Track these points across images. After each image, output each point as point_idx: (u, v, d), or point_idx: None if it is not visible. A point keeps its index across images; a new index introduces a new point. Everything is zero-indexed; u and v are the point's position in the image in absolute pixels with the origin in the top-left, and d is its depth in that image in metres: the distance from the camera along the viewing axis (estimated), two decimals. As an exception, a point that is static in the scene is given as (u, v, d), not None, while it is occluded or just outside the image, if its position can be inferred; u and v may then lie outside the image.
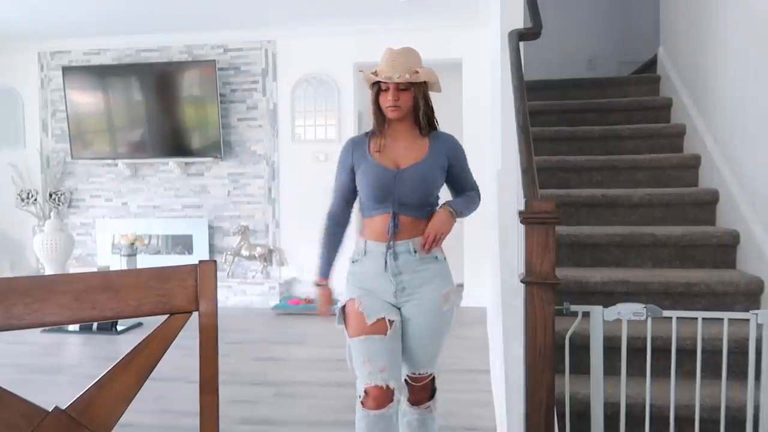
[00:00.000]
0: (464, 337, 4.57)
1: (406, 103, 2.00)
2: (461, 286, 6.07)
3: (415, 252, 2.01)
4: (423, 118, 2.05)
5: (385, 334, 1.97)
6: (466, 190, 2.17)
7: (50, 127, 6.40)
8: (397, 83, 1.97)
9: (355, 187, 2.09)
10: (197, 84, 5.93)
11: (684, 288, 2.68)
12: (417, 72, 2.00)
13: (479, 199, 2.18)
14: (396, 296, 2.03)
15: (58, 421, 0.93)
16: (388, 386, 1.96)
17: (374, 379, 1.96)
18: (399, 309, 2.04)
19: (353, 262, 2.10)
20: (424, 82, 2.02)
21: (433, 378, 2.12)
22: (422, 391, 2.12)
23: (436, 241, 2.02)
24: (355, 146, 2.10)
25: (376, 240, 2.03)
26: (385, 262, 2.01)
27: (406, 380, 2.10)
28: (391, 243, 2.00)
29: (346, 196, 2.13)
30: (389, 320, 1.99)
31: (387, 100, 1.99)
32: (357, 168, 2.06)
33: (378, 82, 2.02)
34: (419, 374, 2.08)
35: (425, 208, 2.03)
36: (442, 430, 2.90)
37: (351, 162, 2.08)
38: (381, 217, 2.02)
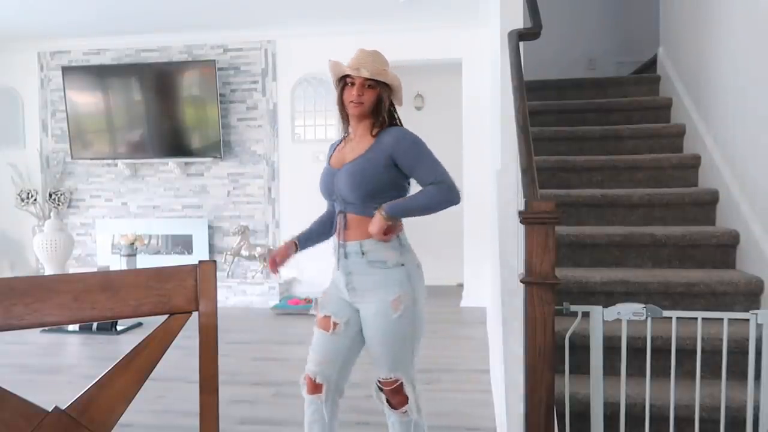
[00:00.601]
0: (464, 337, 4.57)
1: (369, 101, 1.99)
2: (461, 286, 6.08)
3: (363, 254, 2.00)
4: (380, 119, 2.03)
5: (328, 331, 2.05)
6: (426, 184, 2.05)
7: (50, 127, 6.40)
8: (364, 79, 1.98)
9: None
10: (197, 84, 5.92)
11: (684, 288, 2.68)
12: (385, 71, 2.02)
13: (446, 191, 1.97)
14: (349, 294, 2.05)
15: (58, 421, 0.93)
16: (315, 379, 2.06)
17: (309, 369, 2.09)
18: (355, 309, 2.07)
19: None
20: (389, 87, 2.03)
21: (402, 384, 2.05)
22: (393, 395, 2.08)
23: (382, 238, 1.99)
24: (331, 149, 2.19)
25: (335, 237, 2.10)
26: (338, 260, 2.07)
27: (377, 381, 2.10)
28: (342, 242, 2.04)
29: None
30: (333, 321, 2.05)
31: (351, 95, 2.00)
32: None
33: (344, 78, 2.03)
34: (383, 379, 2.06)
35: (369, 206, 1.98)
36: (443, 430, 2.90)
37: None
38: (336, 215, 2.08)
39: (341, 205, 2.02)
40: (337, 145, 2.15)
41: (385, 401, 2.10)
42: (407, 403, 2.08)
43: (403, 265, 2.01)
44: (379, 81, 2.01)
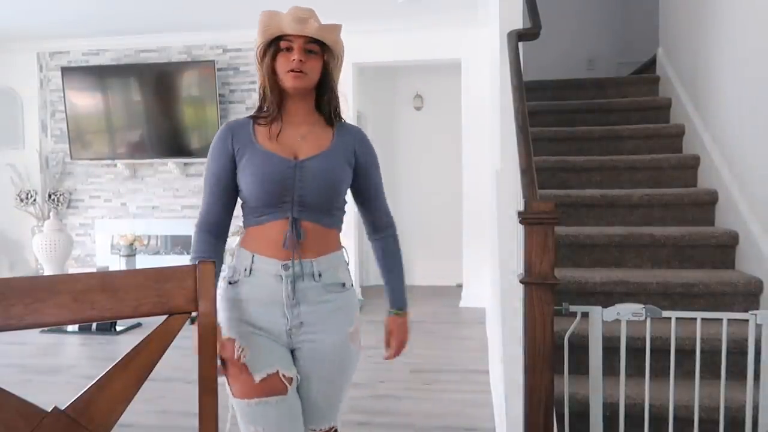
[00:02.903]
0: (464, 338, 4.57)
1: (314, 71, 1.57)
2: (460, 286, 6.08)
3: (320, 276, 1.55)
4: (327, 103, 1.63)
5: (285, 394, 1.52)
6: (375, 209, 1.73)
7: (49, 127, 6.39)
8: (305, 39, 1.54)
9: (236, 186, 1.61)
10: (196, 84, 5.92)
11: (683, 288, 2.68)
12: (332, 30, 1.60)
13: (397, 240, 1.76)
14: (290, 335, 1.55)
15: (58, 421, 0.93)
16: None
17: None
18: (292, 351, 1.59)
19: (231, 283, 1.58)
20: (332, 54, 1.62)
21: (335, 429, 1.69)
22: None
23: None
24: (235, 131, 1.60)
25: (269, 255, 1.54)
26: (283, 289, 1.53)
27: None
28: (292, 261, 1.52)
29: (224, 199, 1.62)
30: (286, 376, 1.53)
31: (289, 61, 1.54)
32: (239, 157, 1.57)
33: (277, 40, 1.56)
34: (323, 429, 1.65)
35: (333, 214, 1.61)
36: (442, 430, 2.91)
37: (230, 149, 1.58)
38: (275, 224, 1.54)
39: (295, 210, 1.53)
40: (250, 127, 1.61)
41: None
42: None
43: (352, 285, 1.66)
44: (325, 45, 1.58)
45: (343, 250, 1.65)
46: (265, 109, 1.61)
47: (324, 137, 1.61)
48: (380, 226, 1.74)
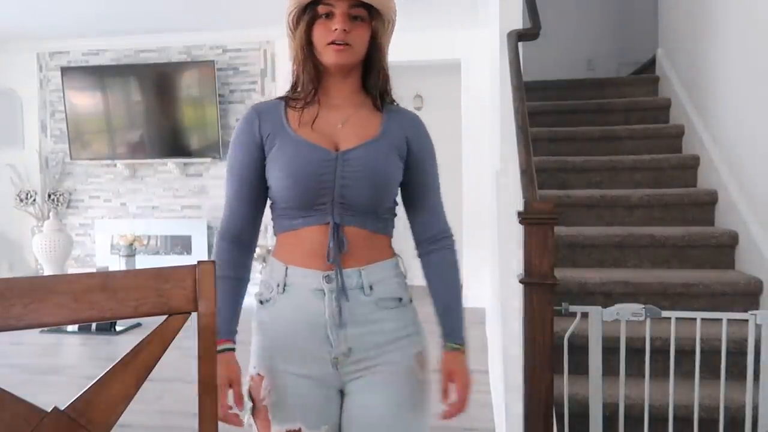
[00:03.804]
0: (463, 338, 4.57)
1: (360, 42, 1.26)
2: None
3: (371, 289, 1.26)
4: (375, 81, 1.32)
5: None
6: (429, 214, 1.39)
7: (49, 127, 6.39)
8: (349, 2, 1.24)
9: (265, 181, 1.31)
10: (196, 84, 5.92)
11: (683, 288, 2.68)
12: None
13: (456, 253, 1.42)
14: (336, 365, 1.26)
15: (57, 421, 0.93)
16: None
17: None
18: (340, 391, 1.29)
19: (262, 302, 1.33)
20: (383, 20, 1.30)
21: None
22: None
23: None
24: (263, 115, 1.31)
25: (305, 265, 1.26)
26: (326, 306, 1.24)
27: None
28: (335, 273, 1.24)
29: (251, 199, 1.32)
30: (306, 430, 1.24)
31: (329, 30, 1.23)
32: (269, 145, 1.28)
33: (314, 4, 1.25)
34: None
35: (382, 217, 1.31)
36: (442, 430, 2.90)
37: (258, 135, 1.29)
38: (312, 230, 1.26)
39: (334, 211, 1.25)
40: (281, 110, 1.31)
41: None
42: None
43: (411, 301, 1.36)
44: (373, 8, 1.27)
45: (398, 258, 1.35)
46: (298, 89, 1.31)
47: (370, 123, 1.31)
48: (434, 236, 1.39)
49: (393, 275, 1.32)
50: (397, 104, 1.38)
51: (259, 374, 1.29)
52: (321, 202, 1.25)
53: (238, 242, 1.33)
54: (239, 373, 1.28)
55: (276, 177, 1.27)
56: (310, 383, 1.26)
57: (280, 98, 1.35)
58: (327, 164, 1.24)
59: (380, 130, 1.30)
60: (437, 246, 1.39)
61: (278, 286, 1.28)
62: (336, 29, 1.23)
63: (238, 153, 1.31)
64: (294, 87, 1.33)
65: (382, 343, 1.27)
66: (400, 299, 1.31)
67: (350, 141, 1.27)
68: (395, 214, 1.37)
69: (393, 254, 1.34)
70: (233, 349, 1.30)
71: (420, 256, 1.41)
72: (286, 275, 1.27)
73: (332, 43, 1.23)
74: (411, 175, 1.35)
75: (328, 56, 1.25)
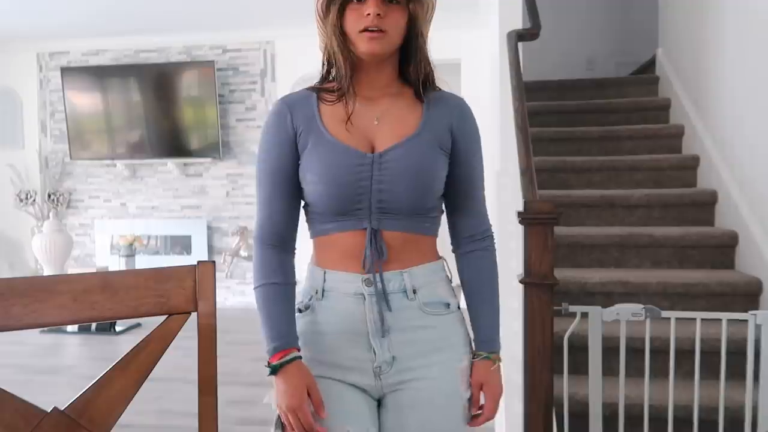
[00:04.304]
0: (463, 338, 4.57)
1: (396, 28, 1.15)
2: (460, 286, 6.07)
3: (415, 293, 1.19)
4: (415, 69, 1.22)
5: None
6: (470, 211, 1.29)
7: (49, 127, 6.39)
8: None
9: (297, 189, 1.23)
10: (196, 85, 5.92)
11: (683, 289, 2.68)
12: None
13: (494, 254, 1.33)
14: (378, 375, 1.19)
15: (57, 421, 0.93)
16: None
17: None
18: (378, 401, 1.23)
19: (301, 311, 1.24)
20: (423, 3, 1.19)
21: None
22: None
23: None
24: (295, 109, 1.21)
25: (343, 269, 1.19)
26: (366, 311, 1.18)
27: None
28: (376, 276, 1.17)
29: (288, 196, 1.22)
30: None
31: (362, 16, 1.13)
32: (303, 142, 1.19)
33: None
34: None
35: (426, 218, 1.22)
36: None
37: (291, 130, 1.20)
38: (347, 235, 1.19)
39: (374, 218, 1.17)
40: (314, 104, 1.21)
41: None
42: None
43: (459, 307, 1.28)
44: None
45: (443, 261, 1.27)
46: (331, 79, 1.22)
47: (410, 116, 1.21)
48: (476, 235, 1.30)
49: (439, 279, 1.24)
50: (440, 90, 1.26)
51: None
52: (357, 207, 1.17)
53: (280, 245, 1.23)
54: (313, 378, 1.17)
55: (309, 181, 1.18)
56: (351, 391, 1.19)
57: (311, 89, 1.24)
58: (362, 168, 1.16)
59: (420, 124, 1.20)
60: (479, 247, 1.30)
61: (317, 292, 1.21)
62: (369, 14, 1.12)
63: (271, 150, 1.21)
64: (325, 78, 1.24)
65: (427, 352, 1.19)
66: (448, 305, 1.24)
67: (387, 139, 1.18)
68: (442, 211, 1.29)
69: (438, 256, 1.26)
70: (300, 357, 1.18)
71: (458, 254, 1.32)
72: (324, 280, 1.21)
73: (365, 30, 1.13)
74: (454, 170, 1.24)
75: (362, 45, 1.14)
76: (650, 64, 4.77)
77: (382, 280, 1.17)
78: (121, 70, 6.05)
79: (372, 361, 1.18)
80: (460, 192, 1.27)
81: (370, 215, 1.17)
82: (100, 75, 6.05)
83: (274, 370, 1.17)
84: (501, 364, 1.27)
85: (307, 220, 1.25)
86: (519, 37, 2.62)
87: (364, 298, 1.18)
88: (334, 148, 1.17)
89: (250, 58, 6.03)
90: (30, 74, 6.38)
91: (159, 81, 5.96)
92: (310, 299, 1.23)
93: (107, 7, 5.17)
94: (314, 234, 1.24)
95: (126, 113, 6.05)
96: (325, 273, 1.21)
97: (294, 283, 1.25)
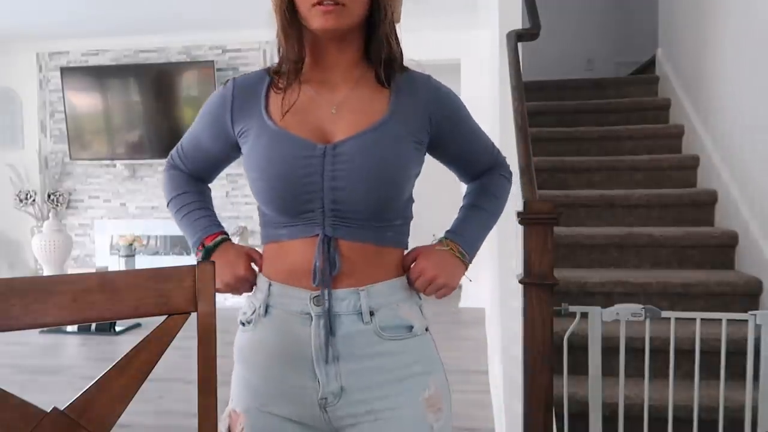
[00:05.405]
0: (463, 338, 4.57)
1: (356, 1, 0.99)
2: (460, 286, 6.07)
3: (372, 315, 1.02)
4: (378, 49, 1.05)
5: None
6: (481, 166, 1.18)
7: (48, 127, 6.39)
8: None
9: (221, 162, 1.19)
10: (195, 85, 5.92)
11: (682, 289, 2.68)
12: None
13: (509, 182, 1.22)
14: (325, 409, 1.03)
15: (57, 421, 0.93)
16: None
17: None
18: None
19: (243, 324, 1.11)
20: None
21: None
22: None
23: (436, 290, 1.08)
24: (240, 92, 1.08)
25: (290, 283, 1.04)
26: (312, 335, 1.02)
27: None
28: (324, 293, 1.01)
29: (205, 169, 1.21)
30: None
31: None
32: (244, 137, 1.06)
33: None
34: None
35: (388, 224, 1.05)
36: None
37: (229, 123, 1.08)
38: (298, 244, 1.03)
39: (327, 223, 1.01)
40: (262, 88, 1.07)
41: None
42: None
43: (427, 329, 1.10)
44: None
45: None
46: (287, 63, 1.05)
47: (374, 102, 1.04)
48: (485, 171, 1.20)
49: (403, 297, 1.06)
50: (408, 70, 1.10)
51: (236, 411, 1.08)
52: (307, 209, 1.01)
53: (191, 173, 1.24)
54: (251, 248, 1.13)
55: (251, 178, 1.05)
56: (294, 427, 1.04)
57: (266, 70, 1.10)
58: (311, 162, 0.99)
59: (387, 112, 1.03)
60: (488, 172, 1.20)
61: (260, 306, 1.07)
62: None
63: (205, 128, 1.14)
64: (280, 63, 1.07)
65: (383, 382, 1.02)
66: (411, 327, 1.05)
67: (344, 130, 1.02)
68: (410, 217, 1.11)
69: (404, 271, 1.08)
70: (229, 239, 1.14)
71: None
72: (269, 294, 1.06)
73: (319, 3, 0.97)
74: (447, 149, 1.12)
75: (315, 20, 0.98)
76: (650, 64, 4.77)
77: (329, 299, 1.01)
78: (121, 70, 6.05)
79: (316, 392, 1.02)
80: (469, 167, 1.18)
81: (323, 220, 1.01)
82: (99, 75, 6.05)
83: (208, 253, 1.11)
84: (460, 259, 1.11)
85: (260, 225, 1.12)
86: (518, 37, 2.61)
87: (311, 319, 1.02)
88: (277, 138, 1.02)
89: (250, 59, 6.03)
90: (30, 74, 6.38)
91: (159, 81, 5.96)
92: (253, 313, 1.08)
93: (107, 7, 5.17)
94: (265, 240, 1.10)
95: (126, 113, 6.05)
96: (270, 285, 1.06)
97: (208, 191, 1.22)
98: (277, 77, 1.06)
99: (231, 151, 1.12)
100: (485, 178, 1.19)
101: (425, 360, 1.08)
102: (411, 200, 1.11)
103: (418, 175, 1.08)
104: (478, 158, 1.17)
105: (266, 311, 1.06)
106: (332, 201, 1.00)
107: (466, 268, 1.13)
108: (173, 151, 1.23)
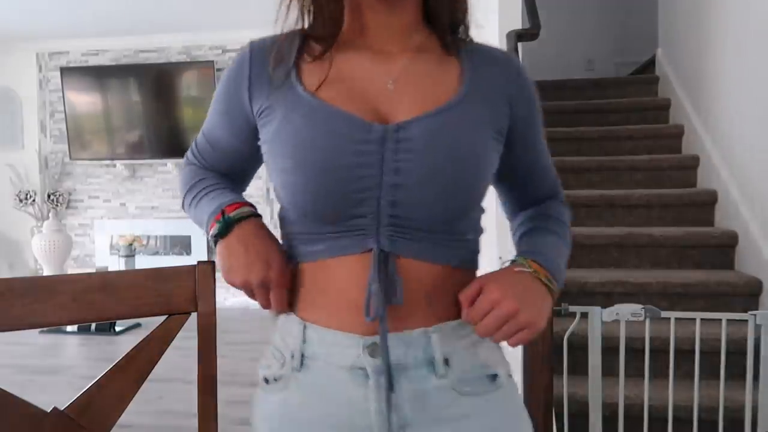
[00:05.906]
0: (463, 338, 4.57)
1: None
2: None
3: (447, 364, 0.76)
4: (443, 10, 0.82)
5: None
6: (544, 190, 0.97)
7: (48, 128, 6.39)
8: None
9: (247, 162, 0.92)
10: (195, 85, 5.92)
11: (682, 289, 2.68)
12: None
13: (570, 214, 0.98)
14: None
15: (57, 421, 0.93)
16: None
17: None
18: None
19: (268, 381, 0.83)
20: None
21: None
22: None
23: (516, 330, 0.76)
24: (259, 58, 0.83)
25: (334, 325, 0.76)
26: (371, 398, 0.75)
27: None
28: (384, 335, 0.73)
29: (229, 168, 0.94)
30: None
31: None
32: (266, 114, 0.80)
33: None
34: None
35: (460, 239, 0.81)
36: None
37: (246, 99, 0.83)
38: (344, 262, 0.76)
39: (384, 233, 0.74)
40: (292, 52, 0.80)
41: None
42: None
43: (510, 375, 0.86)
44: None
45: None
46: (322, 24, 0.79)
47: (443, 77, 0.80)
48: (545, 198, 0.97)
49: (480, 342, 0.79)
50: (473, 42, 0.85)
51: None
52: (356, 214, 0.74)
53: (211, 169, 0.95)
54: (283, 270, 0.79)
55: (280, 170, 0.76)
56: None
57: (299, 31, 0.82)
58: (367, 149, 0.73)
59: (462, 89, 0.78)
60: (548, 200, 0.96)
61: (293, 357, 0.79)
62: None
63: (220, 113, 0.91)
64: (314, 24, 0.81)
65: None
66: (495, 376, 0.80)
67: (408, 108, 0.75)
68: (482, 231, 0.86)
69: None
70: (257, 214, 0.84)
71: (516, 222, 0.95)
72: (304, 340, 0.78)
73: None
74: (516, 151, 0.84)
75: None
76: (650, 64, 4.77)
77: (402, 344, 0.74)
78: (121, 70, 6.05)
79: None
80: (525, 171, 0.91)
81: (378, 228, 0.73)
82: (99, 75, 6.06)
83: (228, 226, 0.79)
84: (548, 287, 0.81)
85: (283, 238, 0.83)
86: (518, 37, 2.61)
87: (366, 375, 0.74)
88: (317, 113, 0.74)
89: (250, 58, 6.03)
90: (30, 74, 6.38)
91: (158, 81, 5.96)
92: (282, 366, 0.80)
93: (107, 7, 5.17)
94: (294, 258, 0.81)
95: (125, 113, 6.05)
96: (305, 328, 0.78)
97: (237, 187, 0.92)
98: (311, 40, 0.80)
99: (256, 141, 0.83)
100: (544, 205, 0.95)
101: (513, 420, 0.84)
102: (483, 209, 0.84)
103: (494, 173, 0.83)
104: (544, 177, 0.93)
105: (302, 364, 0.78)
106: (391, 203, 0.73)
107: (554, 303, 0.83)
108: (189, 149, 1.00)
